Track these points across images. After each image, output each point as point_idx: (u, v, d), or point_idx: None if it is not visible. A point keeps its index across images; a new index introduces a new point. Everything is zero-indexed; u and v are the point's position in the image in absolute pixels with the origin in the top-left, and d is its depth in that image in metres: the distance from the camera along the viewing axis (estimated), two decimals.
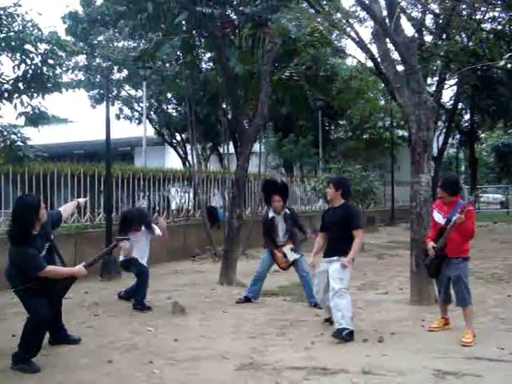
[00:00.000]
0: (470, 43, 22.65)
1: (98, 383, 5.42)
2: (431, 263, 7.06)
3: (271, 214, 9.11)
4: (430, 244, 7.08)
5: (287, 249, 8.94)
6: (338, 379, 5.44)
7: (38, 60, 9.91)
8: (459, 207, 6.75)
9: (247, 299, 9.20)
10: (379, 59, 10.89)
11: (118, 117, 28.13)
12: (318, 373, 5.61)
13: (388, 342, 6.73)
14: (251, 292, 9.24)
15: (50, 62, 9.91)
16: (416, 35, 16.24)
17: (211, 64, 21.90)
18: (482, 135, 38.74)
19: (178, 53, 17.70)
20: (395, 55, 11.48)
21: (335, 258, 7.03)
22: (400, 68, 10.79)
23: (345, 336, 6.65)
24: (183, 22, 13.46)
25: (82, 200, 7.51)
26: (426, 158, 8.84)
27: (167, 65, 23.42)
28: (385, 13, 9.37)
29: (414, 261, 8.90)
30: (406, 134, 30.78)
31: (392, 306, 8.83)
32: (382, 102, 29.94)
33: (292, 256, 8.92)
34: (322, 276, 7.26)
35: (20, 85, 9.96)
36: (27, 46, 9.75)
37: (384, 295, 9.86)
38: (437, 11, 20.85)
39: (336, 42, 25.35)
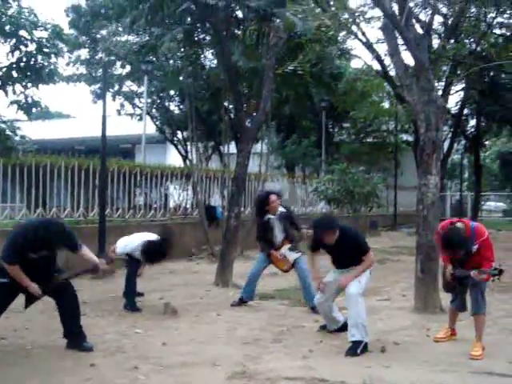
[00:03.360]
0: (479, 48, 22.33)
1: None
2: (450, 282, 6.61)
3: (267, 216, 8.71)
4: (450, 268, 6.53)
5: (285, 249, 8.54)
6: None
7: (33, 47, 9.52)
8: (474, 236, 6.28)
9: (242, 301, 8.79)
10: (388, 55, 10.47)
11: (118, 112, 27.82)
12: None
13: (391, 353, 6.31)
14: (245, 293, 8.83)
15: (46, 50, 9.50)
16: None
17: (215, 62, 21.61)
18: (487, 142, 38.33)
19: (182, 50, 17.32)
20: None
21: (350, 268, 6.64)
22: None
23: (360, 352, 6.18)
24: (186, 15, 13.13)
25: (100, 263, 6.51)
26: (434, 159, 8.43)
27: (170, 62, 23.09)
28: (395, 8, 9.01)
29: (419, 266, 8.49)
30: (410, 138, 30.51)
31: (395, 314, 8.42)
32: (387, 106, 29.63)
33: (293, 255, 8.51)
34: (329, 285, 6.83)
35: (13, 73, 9.56)
36: (22, 33, 9.35)
37: (386, 302, 9.45)
38: (445, 13, 20.54)
39: (342, 44, 25.08)
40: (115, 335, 6.85)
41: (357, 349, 6.20)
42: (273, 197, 8.74)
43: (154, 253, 7.99)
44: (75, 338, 6.25)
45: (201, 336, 6.89)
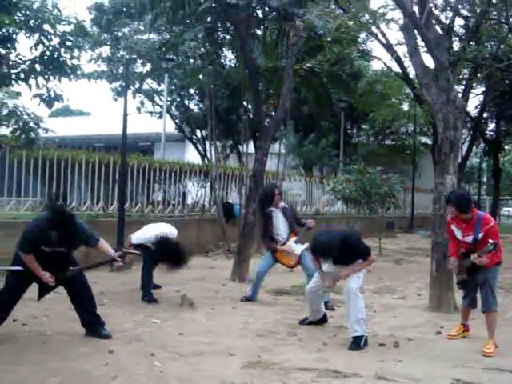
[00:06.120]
0: (499, 51, 22.22)
1: (95, 372, 5.12)
2: (462, 279, 6.69)
3: (269, 209, 8.74)
4: (452, 259, 6.73)
5: (291, 242, 8.52)
6: (350, 383, 5.10)
7: (56, 41, 9.65)
8: (480, 224, 6.38)
9: (249, 300, 8.84)
10: (407, 54, 10.50)
11: (138, 110, 27.98)
12: (328, 375, 5.27)
13: (404, 348, 6.38)
14: (252, 293, 8.88)
15: (68, 43, 9.63)
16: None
17: (235, 62, 21.71)
18: (506, 147, 38.08)
19: (202, 48, 17.45)
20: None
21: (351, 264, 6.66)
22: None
23: (362, 346, 6.29)
24: (207, 14, 13.24)
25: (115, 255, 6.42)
26: (452, 158, 8.46)
27: (191, 60, 23.24)
28: (415, 9, 9.03)
29: (434, 265, 8.53)
30: (428, 141, 30.43)
31: (409, 312, 8.47)
32: (406, 108, 29.57)
33: (299, 247, 8.51)
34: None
35: (37, 66, 9.70)
36: (46, 27, 9.49)
37: (401, 300, 9.50)
38: (466, 15, 20.47)
39: (362, 45, 25.09)
40: (133, 324, 6.97)
41: (359, 343, 6.29)
42: (277, 190, 8.99)
43: (165, 249, 7.65)
44: (92, 326, 6.39)
45: (217, 327, 7.00)
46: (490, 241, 6.19)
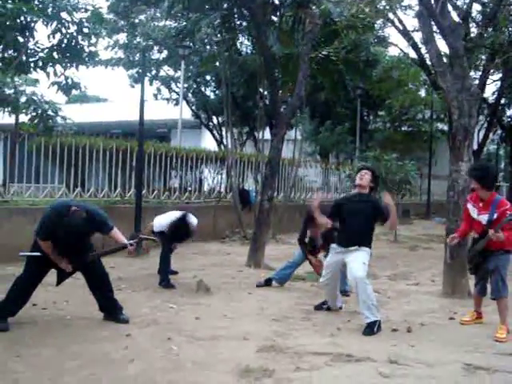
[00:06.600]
0: None
1: (113, 356, 5.26)
2: (473, 258, 6.75)
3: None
4: (454, 235, 7.04)
5: (321, 257, 8.64)
6: (363, 367, 5.20)
7: (73, 29, 9.77)
8: (496, 205, 6.43)
9: (268, 282, 8.97)
10: (422, 42, 10.50)
11: (155, 96, 28.08)
12: (341, 359, 5.37)
13: (417, 333, 6.46)
14: (278, 276, 9.01)
15: (86, 31, 9.74)
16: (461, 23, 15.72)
17: (251, 48, 21.72)
18: None
19: (219, 35, 17.47)
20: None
21: (354, 247, 6.74)
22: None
23: (376, 331, 6.39)
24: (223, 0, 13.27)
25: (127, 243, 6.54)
26: (466, 145, 8.49)
27: (207, 47, 23.26)
28: None
29: (448, 252, 8.58)
30: (445, 127, 30.27)
31: (423, 298, 8.56)
32: (423, 94, 29.41)
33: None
34: (333, 266, 7.00)
35: (54, 54, 9.84)
36: (63, 15, 9.60)
37: (415, 286, 9.58)
38: (484, 1, 20.30)
39: (379, 31, 24.97)
40: (150, 309, 7.11)
41: (373, 328, 6.40)
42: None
43: (176, 231, 8.34)
44: (110, 311, 6.54)
45: (232, 312, 7.12)
46: (509, 212, 6.25)
